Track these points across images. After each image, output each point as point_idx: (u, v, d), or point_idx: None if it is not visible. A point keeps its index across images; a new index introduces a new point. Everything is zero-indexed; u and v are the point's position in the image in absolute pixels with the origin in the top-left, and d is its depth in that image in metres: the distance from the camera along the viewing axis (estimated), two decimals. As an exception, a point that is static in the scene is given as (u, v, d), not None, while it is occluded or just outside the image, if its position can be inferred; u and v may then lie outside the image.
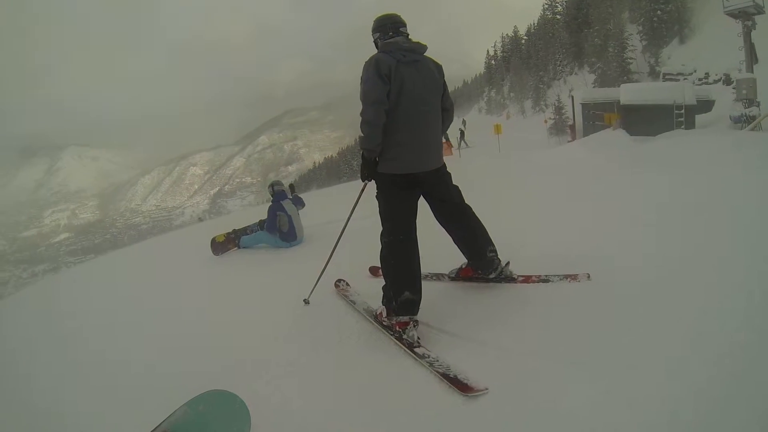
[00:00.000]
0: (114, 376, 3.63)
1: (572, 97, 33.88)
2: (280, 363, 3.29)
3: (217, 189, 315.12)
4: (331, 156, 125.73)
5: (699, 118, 18.98)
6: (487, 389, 2.49)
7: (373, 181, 3.57)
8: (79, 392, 3.53)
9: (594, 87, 39.47)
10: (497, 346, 2.94)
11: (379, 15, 3.67)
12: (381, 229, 3.50)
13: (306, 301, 4.25)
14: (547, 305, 3.41)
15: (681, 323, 2.80)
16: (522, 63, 69.61)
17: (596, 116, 26.95)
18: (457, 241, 3.76)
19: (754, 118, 14.81)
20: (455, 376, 2.65)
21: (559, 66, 63.81)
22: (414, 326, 3.19)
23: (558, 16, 68.29)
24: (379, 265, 3.51)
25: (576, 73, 59.68)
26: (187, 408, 2.20)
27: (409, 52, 3.43)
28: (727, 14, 19.00)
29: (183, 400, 2.38)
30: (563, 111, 43.06)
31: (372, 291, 4.10)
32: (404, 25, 3.59)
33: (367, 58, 3.39)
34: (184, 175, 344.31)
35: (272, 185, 7.49)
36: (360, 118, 3.32)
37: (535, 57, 68.09)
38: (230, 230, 7.69)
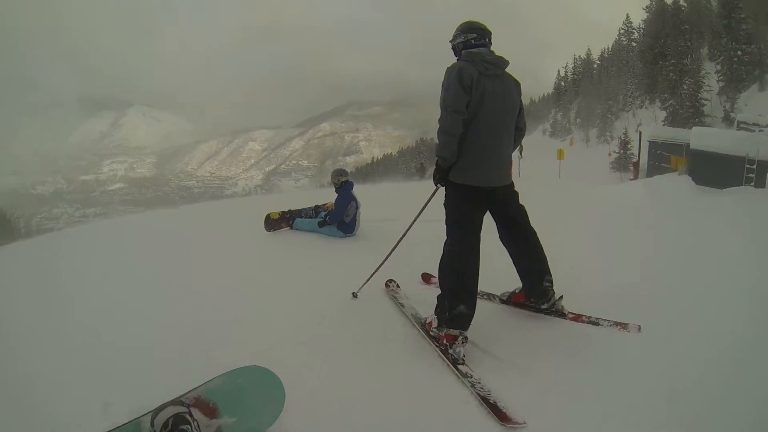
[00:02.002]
0: (138, 337, 3.62)
1: (640, 132, 32.82)
2: (319, 351, 3.35)
3: (272, 167, 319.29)
4: (391, 154, 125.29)
5: (772, 177, 18.04)
6: (525, 423, 2.48)
7: (442, 188, 3.62)
8: (101, 347, 3.49)
9: (664, 125, 38.22)
10: (540, 381, 2.92)
11: (467, 21, 3.68)
12: (443, 236, 3.51)
13: (354, 295, 4.30)
14: (593, 350, 3.35)
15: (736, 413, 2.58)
16: (592, 88, 68.23)
17: (662, 157, 26.08)
18: (517, 263, 3.75)
19: None
20: (495, 402, 2.64)
21: (630, 97, 62.01)
22: (462, 343, 3.18)
23: (634, 44, 66.35)
24: (434, 273, 3.55)
25: (646, 107, 57.92)
26: (225, 378, 2.30)
27: (492, 66, 3.45)
28: None
29: (218, 373, 2.48)
30: (629, 146, 41.76)
31: (421, 298, 4.18)
32: (490, 35, 3.62)
33: (449, 65, 3.44)
34: (242, 149, 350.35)
35: (340, 173, 7.49)
36: (438, 125, 3.38)
37: (606, 84, 66.52)
38: (285, 210, 7.80)
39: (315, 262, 5.89)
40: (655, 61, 54.94)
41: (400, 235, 4.31)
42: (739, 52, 42.13)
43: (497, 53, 3.56)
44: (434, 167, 3.59)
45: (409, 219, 4.10)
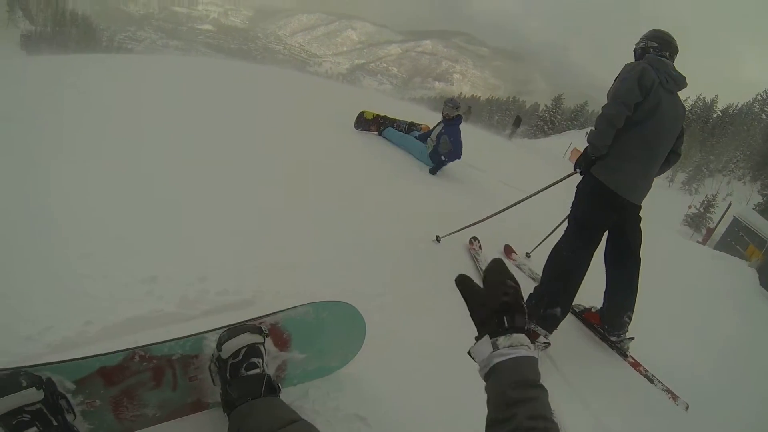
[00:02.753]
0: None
1: (730, 204, 31.77)
2: (396, 293, 3.10)
3: (362, 62, 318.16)
4: (479, 97, 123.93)
5: None
6: None
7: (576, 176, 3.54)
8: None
9: (755, 209, 36.69)
10: (592, 422, 2.86)
11: (656, 29, 3.52)
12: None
13: (438, 239, 4.13)
14: (647, 408, 3.31)
15: None
16: (700, 134, 64.62)
17: (740, 239, 25.23)
18: (610, 286, 3.62)
19: None
20: (558, 423, 2.48)
21: (733, 164, 59.12)
22: (543, 347, 3.09)
23: (764, 116, 62.51)
24: (516, 249, 3.35)
25: (744, 183, 55.49)
26: (310, 308, 1.94)
27: (673, 81, 3.29)
28: None
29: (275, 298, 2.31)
30: (711, 210, 40.62)
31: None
32: (675, 50, 3.44)
33: (630, 63, 3.32)
34: (340, 33, 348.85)
35: (455, 105, 6.99)
36: (600, 112, 3.25)
37: (716, 138, 63.12)
38: (380, 114, 7.54)
39: (401, 186, 5.61)
40: None
41: (507, 203, 4.13)
42: None
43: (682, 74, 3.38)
44: (581, 153, 3.45)
45: (496, 173, 3.86)
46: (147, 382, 1.58)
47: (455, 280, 1.28)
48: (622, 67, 3.32)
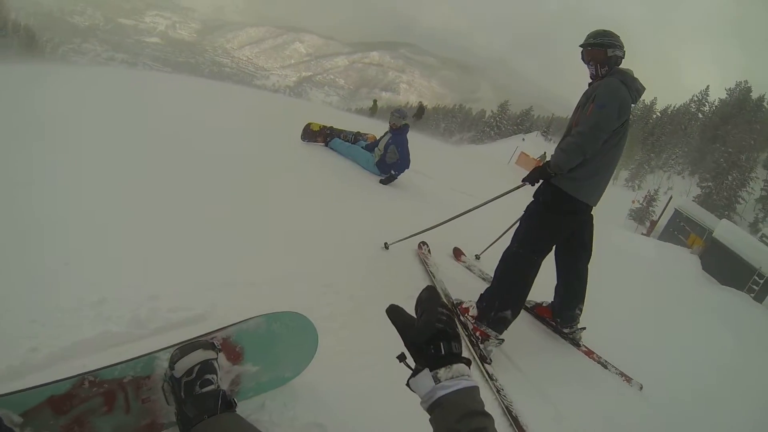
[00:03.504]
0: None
1: (671, 197, 33.04)
2: (347, 301, 3.06)
3: (309, 74, 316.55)
4: (426, 106, 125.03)
5: (768, 299, 18.28)
6: None
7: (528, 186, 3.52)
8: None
9: (694, 201, 38.25)
10: (554, 408, 2.92)
11: (614, 34, 3.41)
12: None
13: (386, 246, 4.12)
14: (603, 392, 3.44)
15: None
16: (640, 134, 67.10)
17: (682, 230, 26.29)
18: (561, 282, 3.72)
19: None
20: (517, 416, 2.59)
21: (673, 160, 61.80)
22: (497, 343, 3.12)
23: (700, 115, 65.93)
24: (465, 251, 3.35)
25: (683, 177, 57.96)
26: (261, 321, 1.93)
27: (638, 95, 3.32)
28: None
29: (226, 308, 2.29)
30: (654, 203, 42.29)
31: (450, 274, 4.10)
32: None
33: (607, 81, 3.23)
34: (288, 46, 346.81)
35: (402, 115, 7.08)
36: (573, 136, 3.18)
37: (656, 136, 65.98)
38: (327, 125, 7.53)
39: (347, 195, 5.60)
40: (712, 141, 55.22)
41: (458, 209, 4.15)
42: None
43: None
44: (536, 168, 3.43)
45: (443, 179, 3.92)
46: (98, 408, 1.53)
47: (386, 311, 1.26)
48: (596, 84, 3.28)
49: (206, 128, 5.99)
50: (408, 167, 6.79)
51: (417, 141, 11.59)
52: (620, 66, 3.37)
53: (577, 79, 3.56)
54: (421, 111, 18.08)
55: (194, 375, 1.60)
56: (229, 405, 1.58)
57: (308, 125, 7.34)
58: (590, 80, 3.44)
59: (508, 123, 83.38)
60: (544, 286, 3.68)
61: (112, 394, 1.56)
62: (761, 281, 17.88)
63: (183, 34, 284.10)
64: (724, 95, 65.64)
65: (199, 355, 1.64)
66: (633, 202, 44.28)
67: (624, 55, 3.38)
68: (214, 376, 1.64)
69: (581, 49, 3.47)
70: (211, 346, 1.71)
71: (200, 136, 5.46)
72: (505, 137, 77.50)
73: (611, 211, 31.53)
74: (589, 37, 3.45)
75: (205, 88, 10.77)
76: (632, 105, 3.30)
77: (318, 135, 7.42)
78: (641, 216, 42.27)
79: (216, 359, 1.69)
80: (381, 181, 6.60)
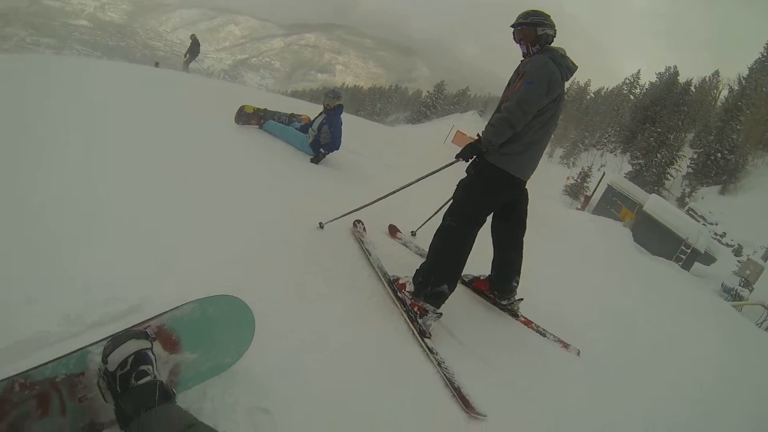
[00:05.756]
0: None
1: (604, 173, 34.25)
2: (285, 284, 3.01)
3: (245, 57, 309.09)
4: (362, 87, 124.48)
5: (695, 266, 19.39)
6: (486, 416, 2.51)
7: (462, 163, 3.54)
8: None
9: (625, 177, 39.79)
10: (498, 375, 3.03)
11: (545, 13, 3.49)
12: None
13: (321, 225, 4.06)
14: (542, 358, 3.60)
15: None
16: (576, 113, 69.59)
17: (614, 204, 27.30)
18: (498, 255, 3.79)
19: (741, 298, 15.41)
20: (459, 387, 2.64)
21: (605, 139, 64.32)
22: (435, 318, 3.13)
23: (632, 97, 69.02)
24: (401, 228, 3.36)
25: (616, 155, 60.32)
26: (196, 306, 1.87)
27: (570, 73, 3.41)
28: None
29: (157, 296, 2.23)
30: (588, 179, 43.76)
31: (387, 251, 4.13)
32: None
33: (536, 57, 3.31)
34: (222, 28, 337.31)
35: (336, 95, 6.99)
36: (503, 111, 3.23)
37: (590, 117, 68.81)
38: (261, 107, 7.40)
39: (281, 176, 5.49)
40: (642, 122, 57.82)
41: (393, 186, 4.12)
42: (719, 155, 45.39)
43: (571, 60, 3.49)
44: (468, 144, 3.47)
45: (378, 158, 3.90)
46: (32, 412, 1.45)
47: None
48: (526, 61, 3.37)
49: (137, 116, 5.71)
50: (338, 148, 6.77)
51: (352, 121, 11.57)
52: (552, 45, 3.44)
53: (516, 60, 3.57)
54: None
55: (129, 367, 1.56)
56: (168, 396, 1.54)
57: (242, 108, 7.17)
58: (522, 59, 3.50)
59: (444, 103, 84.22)
60: (481, 260, 3.73)
61: (46, 395, 1.49)
62: (688, 251, 18.89)
63: (113, 16, 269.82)
64: (654, 79, 68.49)
65: (132, 346, 1.59)
66: (568, 178, 45.67)
67: (555, 33, 3.45)
68: (150, 367, 1.60)
69: (512, 29, 3.53)
70: (144, 335, 1.66)
71: (130, 125, 5.20)
72: (442, 116, 78.31)
73: (547, 187, 32.51)
74: (519, 17, 3.52)
75: (136, 75, 10.29)
76: (565, 82, 3.38)
77: (252, 117, 7.26)
78: (576, 192, 43.54)
79: (151, 349, 1.65)
80: (311, 160, 6.56)
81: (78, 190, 3.19)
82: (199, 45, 18.91)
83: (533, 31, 3.42)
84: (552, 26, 3.44)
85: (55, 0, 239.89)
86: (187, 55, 19.07)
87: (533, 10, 3.49)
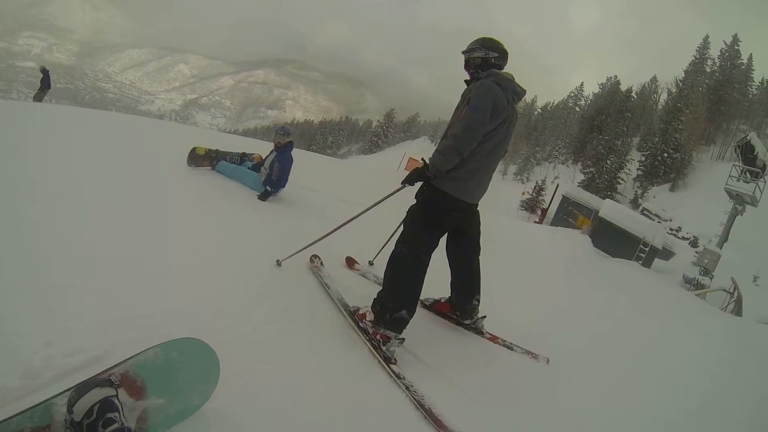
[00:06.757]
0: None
1: (557, 185, 35.00)
2: (245, 324, 2.96)
3: (195, 96, 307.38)
4: (312, 121, 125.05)
5: (655, 263, 19.98)
6: None
7: (406, 189, 3.58)
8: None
9: (578, 186, 40.76)
10: (467, 393, 3.02)
11: (488, 37, 3.59)
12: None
13: (278, 263, 4.03)
14: (511, 372, 3.61)
15: None
16: (524, 130, 71.35)
17: (571, 213, 27.91)
18: (455, 276, 3.81)
19: (703, 286, 15.88)
20: (430, 408, 2.64)
21: (556, 152, 66.27)
22: (398, 343, 3.14)
23: (578, 109, 71.71)
24: (358, 259, 3.52)
25: (567, 166, 62.13)
26: (158, 350, 1.87)
27: (517, 96, 3.44)
28: (726, 191, 20.34)
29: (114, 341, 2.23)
30: (543, 193, 44.72)
31: (345, 283, 4.10)
32: (507, 59, 3.59)
33: (480, 82, 3.32)
34: (172, 68, 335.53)
35: (286, 133, 6.98)
36: (448, 138, 3.25)
37: (540, 131, 70.75)
38: (212, 149, 7.34)
39: (236, 216, 5.44)
40: (590, 131, 60.30)
41: (344, 217, 4.13)
42: (665, 155, 47.45)
43: (519, 84, 3.52)
44: (414, 169, 3.49)
45: (331, 192, 3.94)
46: None
47: None
48: (471, 87, 3.38)
49: (88, 161, 5.61)
50: (283, 186, 6.71)
51: (304, 157, 11.64)
52: (501, 69, 3.52)
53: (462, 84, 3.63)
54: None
55: (95, 415, 1.54)
56: None
57: (194, 149, 7.09)
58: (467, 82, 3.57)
59: (395, 131, 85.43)
60: (440, 282, 3.79)
61: (13, 450, 1.45)
62: (646, 249, 19.49)
63: (61, 58, 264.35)
64: (597, 89, 71.44)
65: (96, 394, 1.58)
66: (523, 193, 46.70)
67: (502, 57, 3.53)
68: (117, 414, 1.58)
69: (463, 56, 3.63)
70: (108, 382, 1.65)
71: (80, 171, 5.11)
72: (393, 145, 79.32)
73: (503, 204, 33.05)
74: (469, 44, 3.63)
75: (85, 120, 10.12)
76: (513, 105, 3.42)
77: (204, 159, 7.17)
78: (532, 206, 44.52)
79: (116, 396, 1.64)
80: (259, 197, 6.48)
81: (30, 240, 3.11)
82: (50, 77, 18.29)
83: (480, 56, 3.52)
84: (498, 50, 3.52)
85: (1, 41, 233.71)
86: (40, 89, 18.23)
87: (481, 38, 3.59)
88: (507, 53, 3.57)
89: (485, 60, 3.52)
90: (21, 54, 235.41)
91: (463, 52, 3.63)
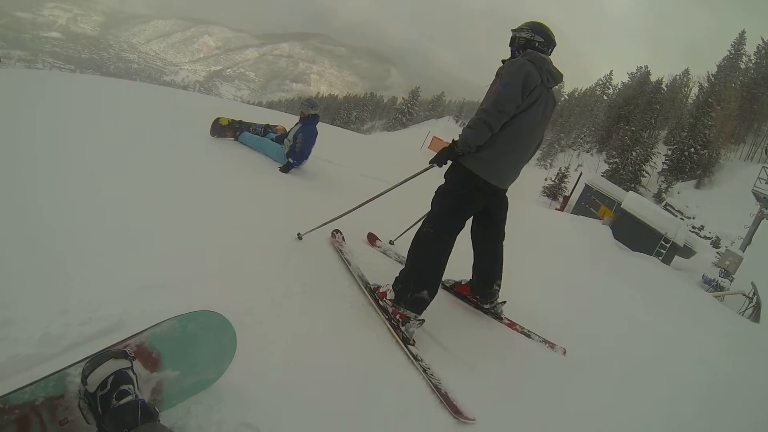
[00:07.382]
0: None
1: (581, 173, 34.68)
2: (265, 297, 2.95)
3: (219, 68, 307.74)
4: (337, 96, 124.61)
5: (675, 260, 19.68)
6: (475, 420, 2.51)
7: (440, 168, 3.54)
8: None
9: (602, 176, 40.28)
10: (484, 379, 3.04)
11: (539, 22, 3.57)
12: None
13: (299, 236, 4.01)
14: (529, 360, 3.61)
15: None
16: (551, 115, 70.79)
17: (593, 203, 27.58)
18: (478, 260, 3.79)
19: (722, 288, 15.63)
20: (446, 393, 2.63)
21: (581, 139, 65.39)
22: (418, 324, 3.13)
23: (605, 97, 70.46)
24: (380, 236, 3.52)
25: (592, 155, 61.26)
26: (175, 322, 1.84)
27: (553, 80, 3.41)
28: (753, 193, 19.94)
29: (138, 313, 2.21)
30: (565, 180, 44.31)
31: (366, 259, 4.10)
32: (554, 47, 3.56)
33: (514, 59, 3.35)
34: (196, 39, 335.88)
35: (311, 105, 6.96)
36: (479, 114, 3.23)
37: (565, 118, 69.52)
38: (236, 119, 7.32)
39: (258, 188, 5.45)
40: (617, 121, 59.18)
41: (370, 194, 4.10)
42: (693, 150, 46.34)
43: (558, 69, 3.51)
44: (443, 148, 3.46)
45: (355, 167, 3.87)
46: None
47: None
48: (504, 64, 3.36)
49: (111, 131, 5.61)
50: (306, 158, 6.70)
51: (328, 131, 11.55)
52: (543, 53, 3.46)
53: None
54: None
55: (109, 387, 1.52)
56: (150, 415, 1.51)
57: (217, 120, 7.08)
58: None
59: (419, 109, 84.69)
60: (462, 265, 3.75)
61: (26, 419, 1.46)
62: (667, 245, 19.18)
63: (85, 28, 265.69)
64: (626, 79, 70.32)
65: (110, 366, 1.56)
66: (545, 180, 46.32)
67: (548, 43, 3.50)
68: (131, 386, 1.56)
69: (511, 33, 3.62)
70: (122, 354, 1.63)
71: (104, 140, 5.10)
72: (418, 123, 78.80)
73: (526, 189, 32.78)
74: (521, 24, 3.61)
75: (110, 89, 10.12)
76: (549, 88, 3.40)
77: (227, 129, 7.17)
78: (554, 192, 44.21)
79: (131, 368, 1.62)
80: (281, 169, 6.46)
81: (52, 209, 3.10)
82: None
83: (524, 37, 3.50)
84: (544, 36, 3.49)
85: (26, 11, 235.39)
86: None
87: (534, 21, 3.58)
88: (554, 41, 3.53)
89: (529, 42, 3.49)
90: (46, 24, 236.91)
91: (512, 30, 3.62)
